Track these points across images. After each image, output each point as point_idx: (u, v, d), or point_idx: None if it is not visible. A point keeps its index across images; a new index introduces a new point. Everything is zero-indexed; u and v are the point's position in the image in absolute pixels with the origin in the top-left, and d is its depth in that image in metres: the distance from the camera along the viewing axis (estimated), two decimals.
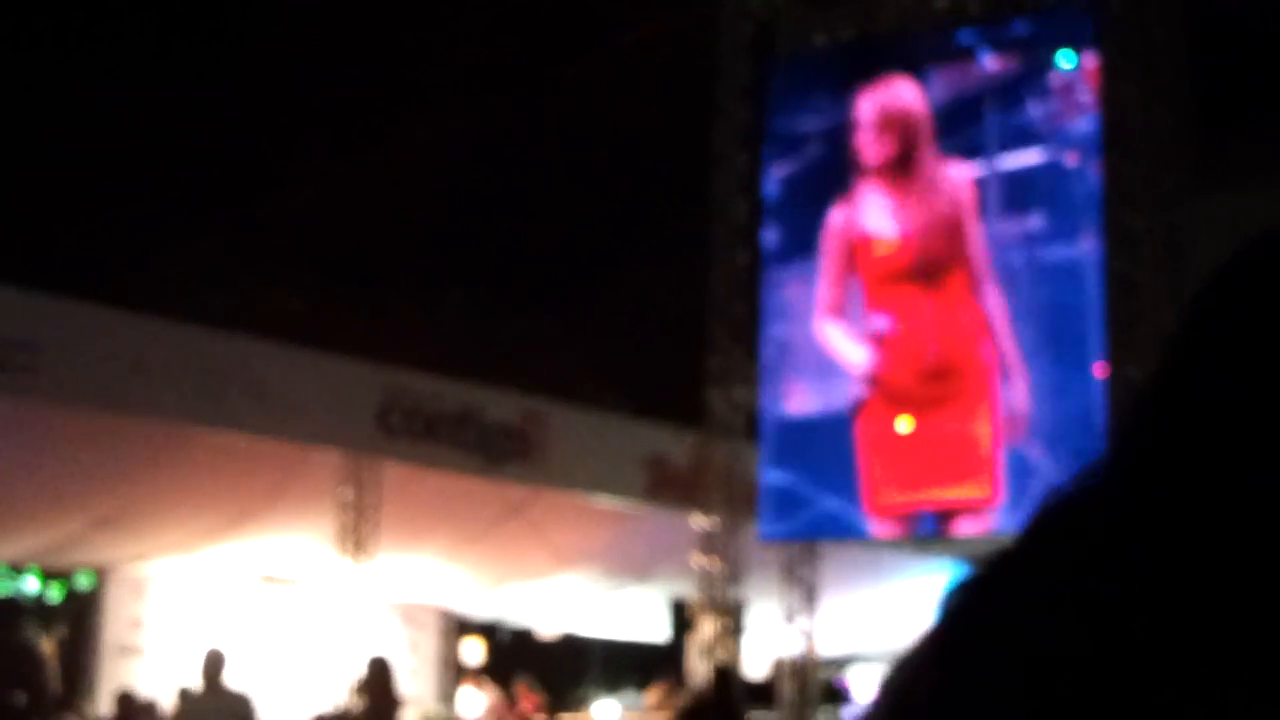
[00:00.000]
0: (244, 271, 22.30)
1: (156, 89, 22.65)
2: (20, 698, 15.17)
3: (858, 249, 13.42)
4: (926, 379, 13.11)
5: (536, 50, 19.20)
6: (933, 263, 13.15)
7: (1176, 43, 13.11)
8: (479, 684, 17.01)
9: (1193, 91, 13.19)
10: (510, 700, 17.15)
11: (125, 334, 12.95)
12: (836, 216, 13.46)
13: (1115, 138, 12.79)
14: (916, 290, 13.16)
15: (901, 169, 13.32)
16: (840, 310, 13.41)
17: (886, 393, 13.15)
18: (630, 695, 19.17)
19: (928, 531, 13.68)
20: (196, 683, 10.67)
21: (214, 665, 9.96)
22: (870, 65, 13.70)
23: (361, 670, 11.78)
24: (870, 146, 13.41)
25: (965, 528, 13.17)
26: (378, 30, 23.60)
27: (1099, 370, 12.51)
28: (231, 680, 10.17)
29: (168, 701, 14.64)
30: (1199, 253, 12.51)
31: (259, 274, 22.72)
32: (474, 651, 19.36)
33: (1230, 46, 13.91)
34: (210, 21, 23.60)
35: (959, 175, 13.16)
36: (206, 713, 9.78)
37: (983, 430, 12.89)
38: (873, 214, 13.38)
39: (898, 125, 13.34)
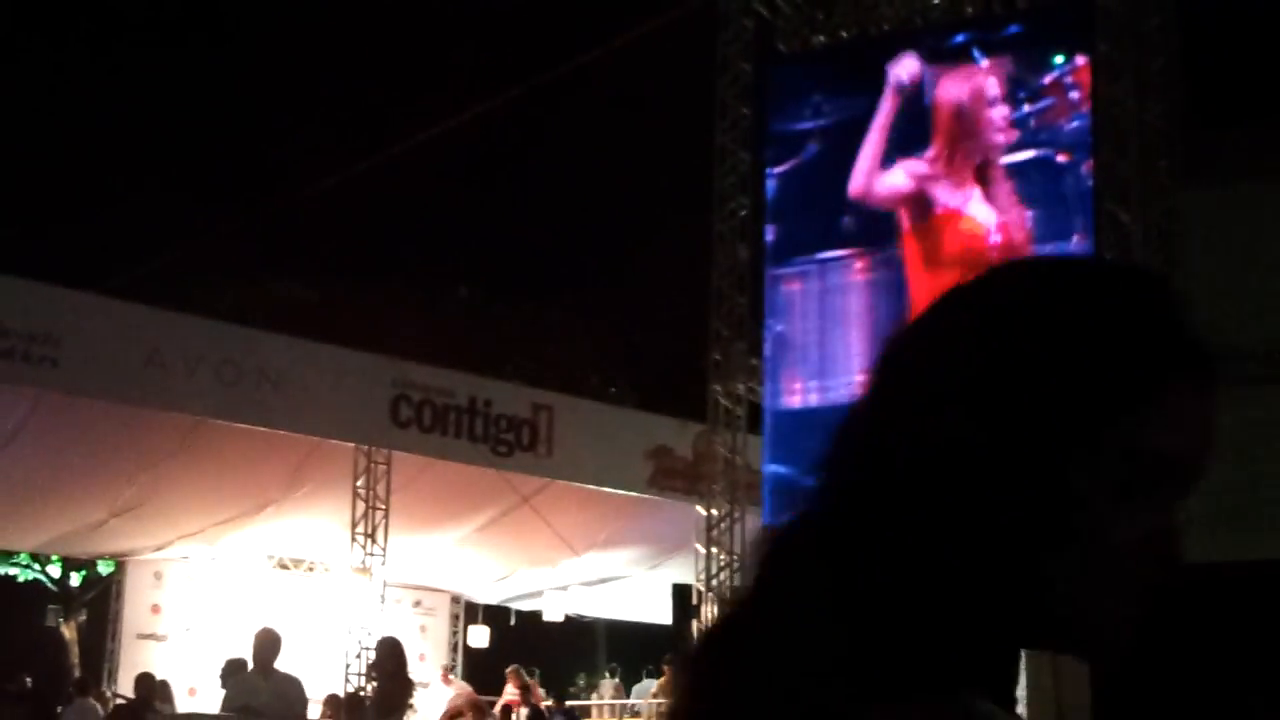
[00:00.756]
0: (259, 266, 22.60)
1: (173, 88, 22.94)
2: (41, 682, 15.46)
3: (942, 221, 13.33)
4: None
5: (542, 48, 19.45)
6: (1007, 247, 13.20)
7: (1167, 40, 13.32)
8: (446, 679, 16.84)
9: (1183, 88, 13.38)
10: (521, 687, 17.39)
11: (143, 327, 13.12)
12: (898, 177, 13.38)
13: (1107, 135, 12.99)
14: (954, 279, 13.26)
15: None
16: None
17: None
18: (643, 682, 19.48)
19: None
20: (239, 659, 10.84)
21: (266, 646, 10.10)
22: (868, 65, 13.93)
23: (373, 652, 12.03)
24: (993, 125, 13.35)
25: None
26: (387, 29, 23.87)
27: None
28: (280, 662, 10.28)
29: (185, 684, 14.98)
30: (1190, 247, 12.65)
31: (274, 268, 23.02)
32: (480, 636, 19.65)
33: (1220, 43, 14.12)
34: (225, 22, 23.86)
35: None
36: (258, 691, 9.93)
37: None
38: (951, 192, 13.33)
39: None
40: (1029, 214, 13.18)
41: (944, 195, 13.41)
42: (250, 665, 10.21)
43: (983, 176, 13.33)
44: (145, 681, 13.00)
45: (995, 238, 13.23)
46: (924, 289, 13.37)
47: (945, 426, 0.89)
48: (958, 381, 0.91)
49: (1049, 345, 0.91)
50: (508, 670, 17.20)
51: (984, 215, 13.30)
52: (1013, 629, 0.92)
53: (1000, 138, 13.25)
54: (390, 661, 10.38)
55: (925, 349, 0.96)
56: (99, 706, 14.58)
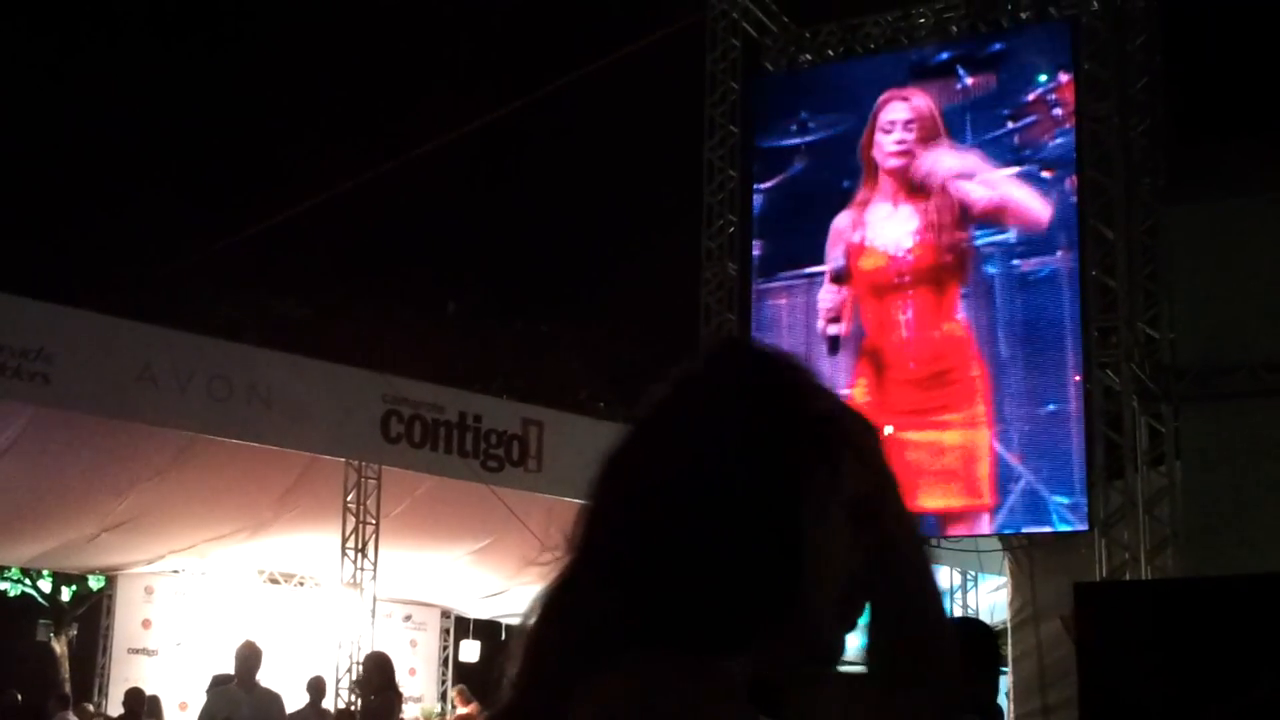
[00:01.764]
0: (251, 282, 22.65)
1: (165, 103, 23.01)
2: (18, 695, 15.47)
3: (853, 254, 13.76)
4: (919, 386, 13.41)
5: (531, 67, 19.55)
6: (931, 270, 13.47)
7: (1151, 58, 13.47)
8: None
9: (1166, 105, 13.52)
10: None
11: (135, 343, 13.12)
12: (842, 220, 13.76)
13: (1091, 152, 13.13)
14: (913, 298, 13.50)
15: (911, 176, 13.62)
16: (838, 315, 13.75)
17: (878, 401, 13.37)
18: None
19: (928, 532, 13.92)
20: (227, 674, 10.89)
21: (249, 659, 10.15)
22: (854, 83, 14.07)
23: (361, 666, 12.06)
24: (884, 150, 13.66)
25: (959, 530, 13.45)
26: (380, 48, 23.98)
27: (1076, 378, 12.87)
28: (270, 676, 10.34)
29: (176, 699, 15.01)
30: (1175, 263, 12.76)
31: (265, 284, 23.08)
32: (471, 651, 19.70)
33: (1203, 61, 14.26)
34: (220, 38, 23.95)
35: (957, 187, 13.46)
36: (239, 704, 9.96)
37: (975, 437, 13.18)
38: (879, 221, 13.69)
39: (914, 129, 13.64)
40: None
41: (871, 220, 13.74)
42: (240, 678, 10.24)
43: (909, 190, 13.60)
44: (135, 696, 13.01)
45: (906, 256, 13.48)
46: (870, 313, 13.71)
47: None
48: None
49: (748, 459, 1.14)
50: (455, 689, 17.30)
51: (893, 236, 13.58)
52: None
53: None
54: (378, 676, 10.40)
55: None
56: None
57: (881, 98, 13.75)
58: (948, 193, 13.48)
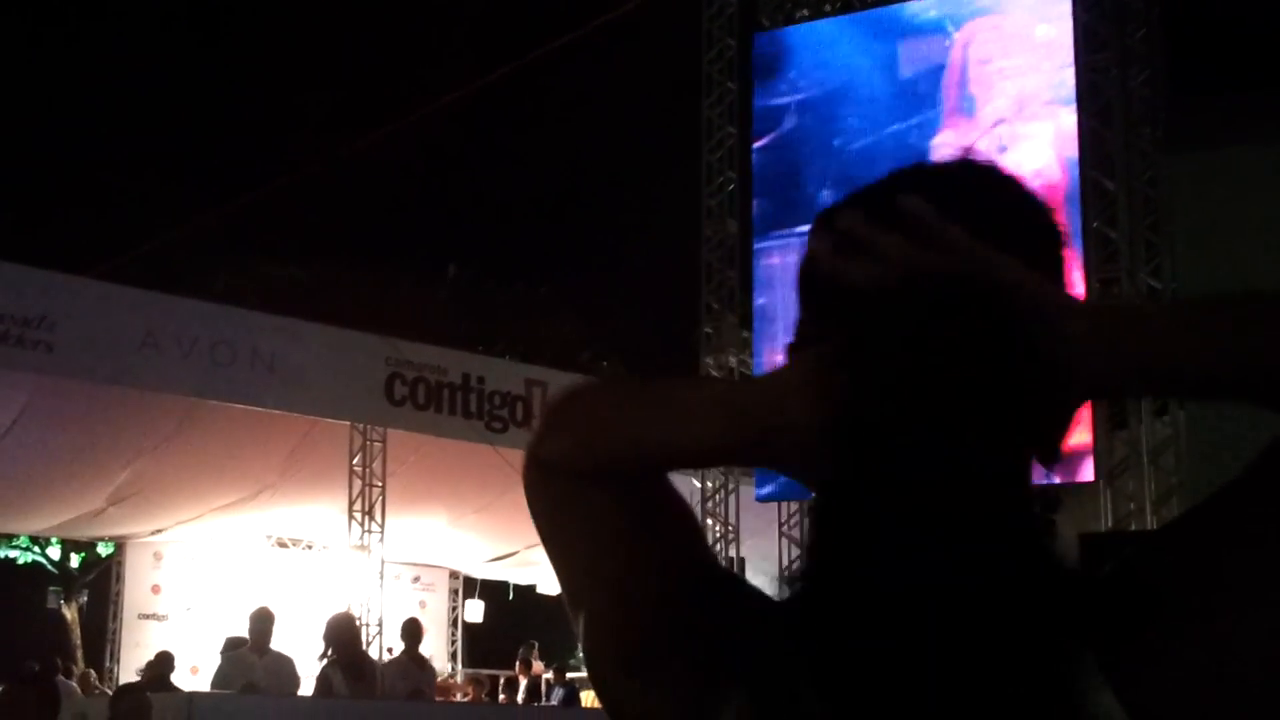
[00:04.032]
0: (252, 247, 22.66)
1: (164, 70, 22.96)
2: (35, 665, 15.58)
3: None
4: None
5: (530, 26, 19.50)
6: None
7: (1149, 8, 13.41)
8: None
9: (1166, 55, 13.47)
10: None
11: (138, 310, 13.14)
12: None
13: (1090, 102, 13.08)
14: None
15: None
16: None
17: None
18: None
19: None
20: (240, 637, 10.99)
21: (263, 624, 10.24)
22: (852, 39, 14.02)
23: (375, 628, 12.13)
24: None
25: None
26: (377, 9, 23.89)
27: None
28: (277, 640, 10.43)
29: (186, 663, 15.10)
30: (1176, 214, 12.74)
31: (266, 249, 23.08)
32: (475, 611, 19.81)
33: (1202, 11, 14.21)
34: (213, 8, 23.86)
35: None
36: (253, 668, 10.05)
37: None
38: None
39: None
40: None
41: None
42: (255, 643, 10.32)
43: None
44: (164, 659, 13.14)
45: None
46: None
47: None
48: None
49: None
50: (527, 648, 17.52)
51: None
52: None
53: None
54: (344, 638, 10.40)
55: None
56: (76, 687, 14.69)
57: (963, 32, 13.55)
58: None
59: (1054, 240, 1.11)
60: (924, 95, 13.54)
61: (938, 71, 13.51)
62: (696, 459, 1.09)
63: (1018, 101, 13.19)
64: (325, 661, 10.21)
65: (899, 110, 13.58)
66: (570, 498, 1.10)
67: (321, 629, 10.58)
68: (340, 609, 14.84)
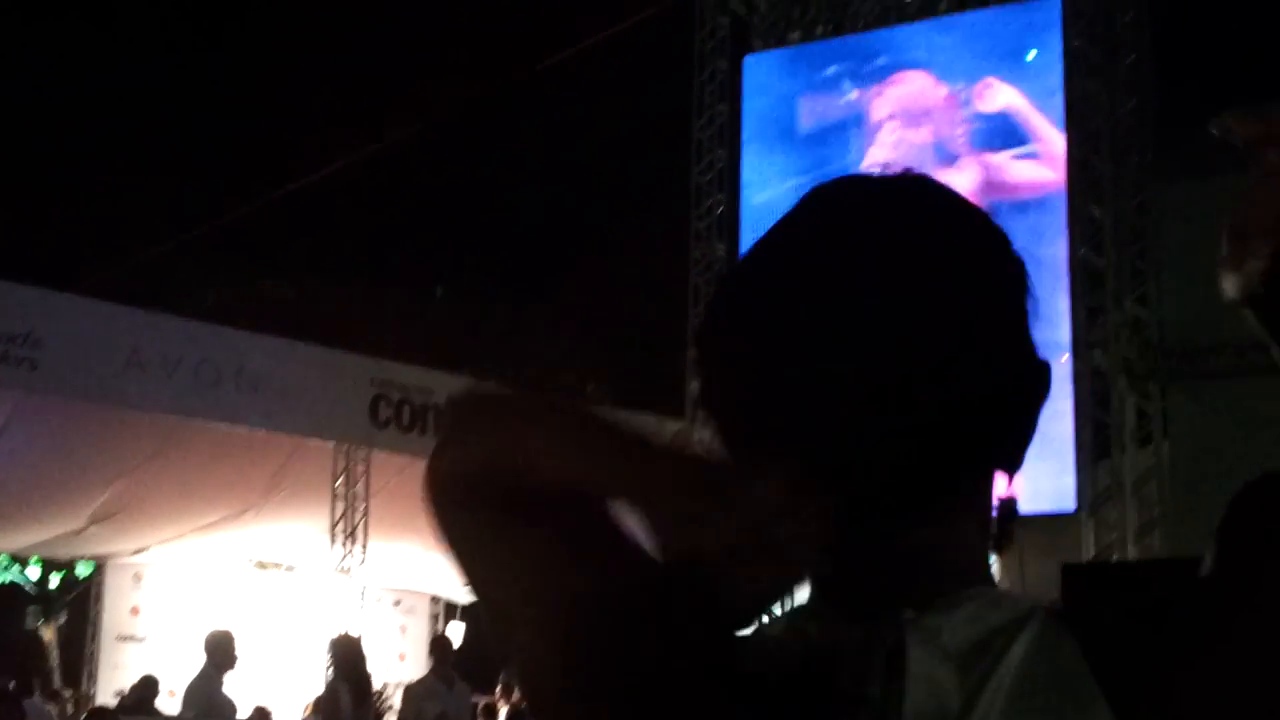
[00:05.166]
0: (237, 265, 22.59)
1: (151, 87, 22.91)
2: (11, 683, 15.45)
3: None
4: None
5: (519, 46, 19.48)
6: None
7: (1140, 36, 13.43)
8: None
9: (1155, 83, 13.49)
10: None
11: (123, 327, 13.07)
12: None
13: (1079, 130, 13.09)
14: None
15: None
16: None
17: None
18: None
19: None
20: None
21: (226, 646, 10.17)
22: (844, 61, 14.02)
23: (330, 651, 12.02)
24: (892, 137, 13.56)
25: None
26: (365, 29, 23.89)
27: (1064, 360, 12.83)
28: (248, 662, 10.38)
29: (165, 686, 14.97)
30: (1162, 241, 12.74)
31: (252, 268, 23.01)
32: (455, 634, 19.66)
33: (1191, 38, 14.25)
34: (205, 21, 23.84)
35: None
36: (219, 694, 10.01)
37: None
38: None
39: (922, 119, 13.59)
40: None
41: None
42: (216, 665, 10.19)
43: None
44: (149, 683, 13.03)
45: None
46: None
47: None
48: None
49: None
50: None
51: None
52: None
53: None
54: (347, 659, 10.32)
55: None
56: (50, 707, 14.55)
57: (870, 92, 13.71)
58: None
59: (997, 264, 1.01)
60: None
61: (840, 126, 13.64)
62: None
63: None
64: (332, 678, 10.19)
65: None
66: (489, 518, 0.99)
67: (301, 652, 10.54)
68: (330, 631, 14.77)
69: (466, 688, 10.70)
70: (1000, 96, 13.33)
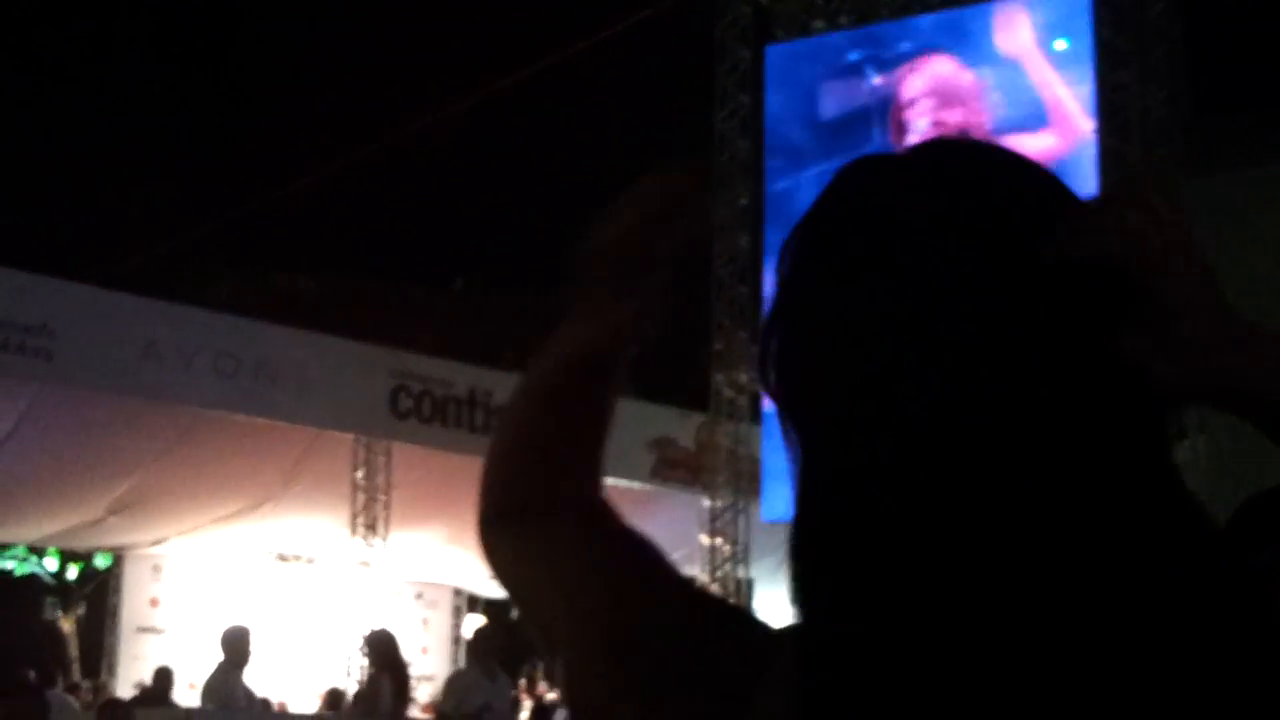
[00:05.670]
0: (256, 256, 22.53)
1: (169, 78, 22.86)
2: (32, 674, 15.41)
3: None
4: None
5: (539, 36, 19.35)
6: None
7: (1170, 27, 13.25)
8: None
9: (1186, 75, 13.33)
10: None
11: (140, 319, 13.06)
12: None
13: (1110, 121, 12.92)
14: None
15: None
16: None
17: None
18: None
19: None
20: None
21: (243, 642, 10.16)
22: (866, 48, 13.84)
23: (369, 646, 11.98)
24: (924, 119, 13.37)
25: None
26: (386, 16, 23.78)
27: None
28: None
29: (185, 678, 14.93)
30: (1193, 230, 12.60)
31: (271, 259, 22.95)
32: (474, 627, 19.56)
33: (1222, 30, 14.06)
34: (223, 13, 23.77)
35: None
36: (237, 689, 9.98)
37: None
38: None
39: (954, 100, 13.41)
40: None
41: None
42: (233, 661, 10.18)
43: None
44: (164, 674, 13.02)
45: None
46: None
47: None
48: None
49: None
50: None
51: None
52: None
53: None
54: (383, 652, 10.31)
55: None
56: (71, 699, 14.50)
57: (896, 75, 13.52)
58: None
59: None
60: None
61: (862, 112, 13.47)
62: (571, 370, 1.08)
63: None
64: (372, 670, 10.27)
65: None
66: (525, 545, 1.07)
67: (321, 644, 10.55)
68: (351, 624, 14.71)
69: (508, 680, 10.58)
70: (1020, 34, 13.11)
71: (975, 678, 0.81)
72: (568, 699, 1.05)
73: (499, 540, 1.09)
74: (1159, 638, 0.81)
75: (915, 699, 0.82)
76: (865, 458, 0.86)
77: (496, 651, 10.00)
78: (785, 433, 0.93)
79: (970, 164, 0.94)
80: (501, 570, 1.10)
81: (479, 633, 11.06)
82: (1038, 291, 0.86)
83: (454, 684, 10.25)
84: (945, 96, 13.33)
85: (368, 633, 10.79)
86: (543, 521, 1.06)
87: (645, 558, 1.03)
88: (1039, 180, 0.93)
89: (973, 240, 0.88)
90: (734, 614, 1.04)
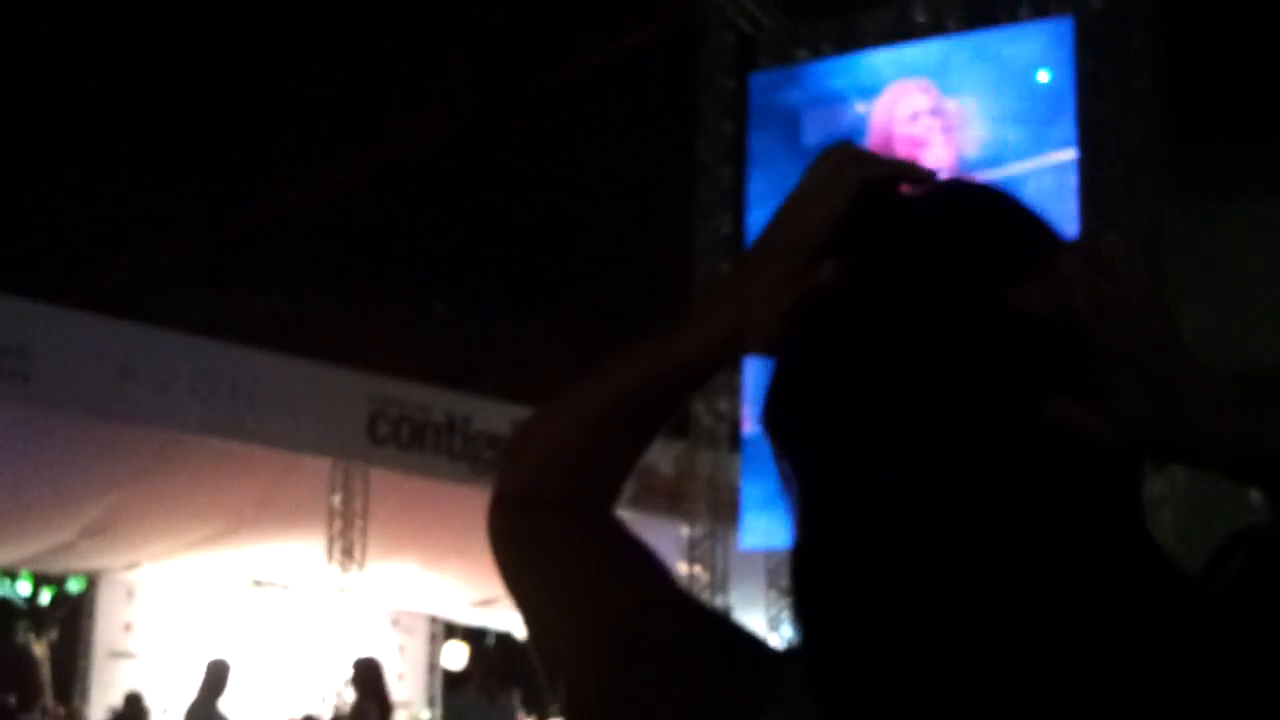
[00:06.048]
0: (233, 278, 22.44)
1: (145, 98, 22.79)
2: (11, 699, 15.28)
3: None
4: None
5: (522, 62, 19.36)
6: None
7: (1153, 58, 13.30)
8: None
9: (1168, 106, 13.37)
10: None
11: (116, 341, 13.02)
12: None
13: (1092, 149, 12.95)
14: None
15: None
16: None
17: None
18: None
19: None
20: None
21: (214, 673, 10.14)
22: (850, 76, 13.87)
23: (349, 672, 11.90)
24: (904, 149, 13.39)
25: None
26: (365, 40, 23.77)
27: None
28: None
29: (159, 704, 14.81)
30: (1175, 262, 12.65)
31: (249, 281, 22.86)
32: (456, 656, 19.45)
33: (1206, 60, 14.12)
34: (197, 32, 23.74)
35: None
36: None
37: None
38: None
39: (933, 130, 13.43)
40: None
41: None
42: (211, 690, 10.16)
43: None
44: (135, 700, 12.96)
45: None
46: None
47: None
48: None
49: None
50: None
51: None
52: None
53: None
54: (368, 681, 10.27)
55: None
56: None
57: (889, 93, 13.51)
58: None
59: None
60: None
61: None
62: (641, 401, 1.06)
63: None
64: (358, 698, 10.27)
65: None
66: (538, 536, 1.06)
67: (297, 671, 10.52)
68: (327, 651, 14.61)
69: (511, 702, 10.46)
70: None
71: (972, 689, 0.87)
72: (566, 713, 1.06)
73: (511, 525, 1.09)
74: (1118, 655, 0.88)
75: (923, 710, 0.88)
76: (858, 488, 0.91)
77: (498, 671, 9.94)
78: (780, 465, 0.98)
79: (963, 207, 0.97)
80: (504, 556, 1.09)
81: (479, 655, 11.02)
82: (1007, 340, 0.89)
83: (452, 706, 10.24)
84: (926, 126, 13.35)
85: (355, 660, 10.69)
86: (561, 518, 1.06)
87: (653, 572, 1.07)
88: (1025, 227, 0.95)
89: (957, 284, 0.91)
90: (737, 633, 1.04)
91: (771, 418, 0.99)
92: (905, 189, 0.98)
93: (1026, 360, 0.89)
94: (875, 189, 0.97)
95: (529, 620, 1.08)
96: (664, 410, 1.08)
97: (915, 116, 13.39)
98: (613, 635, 1.01)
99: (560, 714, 1.06)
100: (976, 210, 0.97)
